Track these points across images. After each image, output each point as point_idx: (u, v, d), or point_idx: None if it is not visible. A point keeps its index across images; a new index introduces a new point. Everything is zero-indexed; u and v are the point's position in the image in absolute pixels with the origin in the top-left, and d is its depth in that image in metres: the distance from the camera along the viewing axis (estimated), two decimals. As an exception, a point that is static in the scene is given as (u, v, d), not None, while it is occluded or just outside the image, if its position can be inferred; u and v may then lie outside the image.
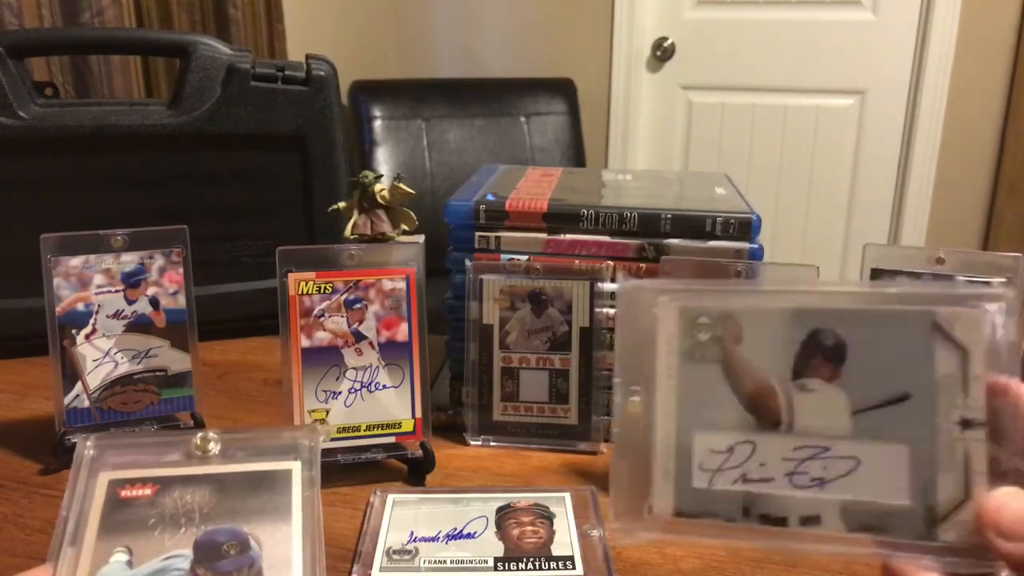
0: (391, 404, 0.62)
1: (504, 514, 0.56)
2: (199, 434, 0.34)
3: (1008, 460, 0.29)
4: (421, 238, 0.68)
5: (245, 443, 0.35)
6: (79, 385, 0.64)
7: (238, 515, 0.32)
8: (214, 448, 0.34)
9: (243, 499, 0.33)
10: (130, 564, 0.31)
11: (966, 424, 0.30)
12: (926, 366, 0.31)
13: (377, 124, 2.22)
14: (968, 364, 0.30)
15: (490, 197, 0.70)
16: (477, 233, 0.69)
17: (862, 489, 0.31)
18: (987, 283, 0.31)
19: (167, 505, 0.32)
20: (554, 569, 0.51)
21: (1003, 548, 0.28)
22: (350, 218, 0.67)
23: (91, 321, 0.64)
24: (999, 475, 0.29)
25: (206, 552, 0.31)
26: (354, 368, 0.61)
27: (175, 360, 0.66)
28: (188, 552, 0.31)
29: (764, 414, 0.32)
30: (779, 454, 0.32)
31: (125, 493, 0.33)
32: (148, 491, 0.33)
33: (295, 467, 0.34)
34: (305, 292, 0.60)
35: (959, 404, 0.30)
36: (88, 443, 0.34)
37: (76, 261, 0.63)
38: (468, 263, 0.67)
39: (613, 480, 0.33)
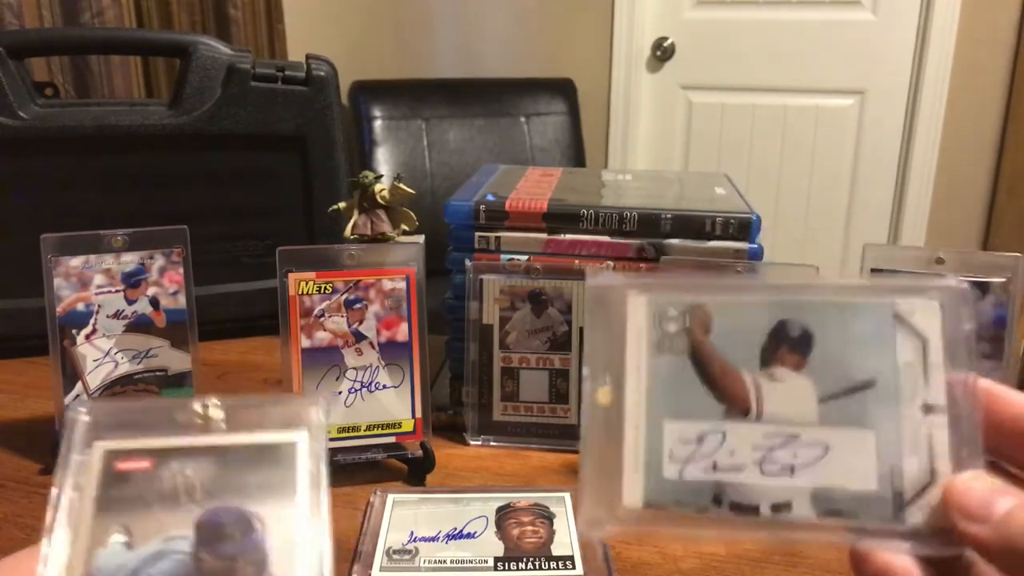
0: (391, 404, 0.62)
1: (504, 514, 0.56)
2: (199, 401, 0.32)
3: (967, 449, 0.30)
4: (421, 238, 0.68)
5: (249, 411, 0.32)
6: (79, 385, 0.64)
7: (240, 491, 0.31)
8: (216, 415, 0.32)
9: (246, 474, 0.31)
10: (128, 546, 0.29)
11: (928, 409, 0.31)
12: (888, 354, 0.32)
13: (377, 124, 2.22)
14: (927, 352, 0.31)
15: (490, 197, 0.70)
16: (477, 233, 0.69)
17: (831, 475, 0.31)
18: (943, 275, 0.33)
19: (166, 480, 0.30)
20: (554, 569, 0.51)
21: (969, 530, 0.28)
22: (350, 218, 0.67)
23: (91, 321, 0.64)
24: (961, 462, 0.30)
25: (209, 534, 0.30)
26: (354, 368, 0.61)
27: (175, 360, 0.66)
28: (189, 533, 0.30)
29: (733, 403, 0.32)
30: (749, 442, 0.32)
31: (122, 466, 0.30)
32: (146, 463, 0.30)
33: (301, 438, 0.32)
34: (305, 292, 0.60)
35: (920, 390, 0.31)
36: (82, 408, 0.31)
37: (76, 261, 0.63)
38: (468, 263, 0.67)
39: (581, 474, 0.32)
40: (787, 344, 0.32)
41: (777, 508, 0.31)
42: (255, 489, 0.31)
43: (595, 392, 0.33)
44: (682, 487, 0.32)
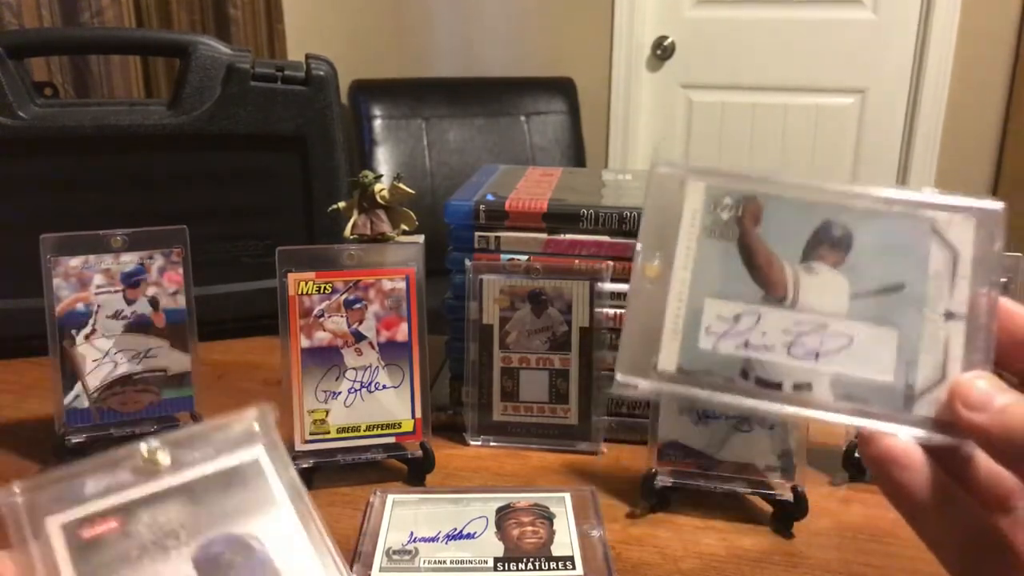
0: (391, 404, 0.62)
1: (504, 514, 0.56)
2: (142, 446, 0.30)
3: (979, 355, 0.33)
4: (421, 238, 0.68)
5: (195, 442, 0.31)
6: (79, 385, 0.64)
7: (224, 519, 0.30)
8: (164, 459, 0.30)
9: (221, 502, 0.30)
10: None
11: (949, 316, 0.34)
12: (921, 263, 0.34)
13: (377, 124, 2.22)
14: (957, 264, 0.34)
15: (490, 197, 0.69)
16: (477, 233, 0.68)
17: (852, 364, 0.34)
18: (981, 196, 0.36)
19: (143, 533, 0.28)
20: (554, 569, 0.51)
21: (968, 418, 0.31)
22: (350, 218, 0.67)
23: (91, 321, 0.64)
24: (972, 365, 0.33)
25: (212, 567, 0.29)
26: (354, 368, 0.61)
27: (175, 360, 0.66)
28: (192, 573, 0.28)
29: (772, 290, 0.35)
30: (780, 326, 0.34)
31: (87, 533, 0.28)
32: (113, 523, 0.28)
33: (259, 453, 0.31)
34: (305, 292, 0.60)
35: (945, 298, 0.34)
36: (15, 489, 0.28)
37: (76, 261, 0.63)
38: (468, 263, 0.67)
39: (623, 336, 0.35)
40: (828, 242, 0.35)
41: (798, 387, 0.34)
42: (237, 513, 0.30)
43: (644, 266, 0.35)
44: (714, 358, 0.34)
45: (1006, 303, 0.33)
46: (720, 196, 0.36)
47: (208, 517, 0.29)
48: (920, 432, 0.32)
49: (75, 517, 0.28)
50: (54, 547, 0.28)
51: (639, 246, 0.35)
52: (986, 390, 0.31)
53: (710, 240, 0.35)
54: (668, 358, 0.34)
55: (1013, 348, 0.33)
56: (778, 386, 0.34)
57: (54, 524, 0.28)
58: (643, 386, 0.34)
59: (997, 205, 0.34)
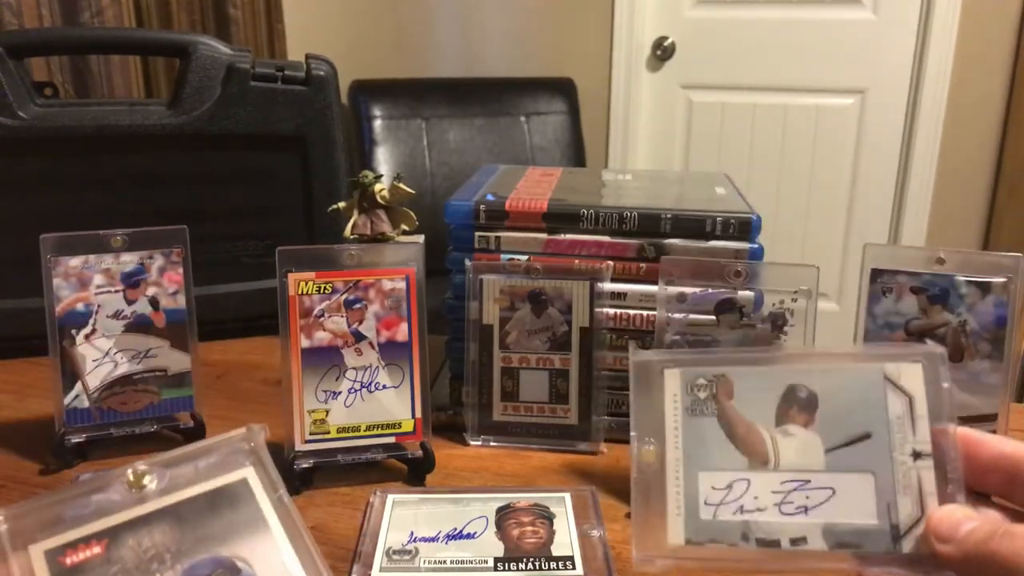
0: (391, 404, 0.62)
1: (504, 514, 0.56)
2: (128, 470, 0.29)
3: (951, 486, 0.37)
4: (421, 238, 0.68)
5: (183, 464, 0.30)
6: (79, 385, 0.64)
7: (211, 542, 0.29)
8: (151, 482, 0.29)
9: (208, 523, 0.29)
10: None
11: (916, 455, 0.38)
12: (881, 411, 0.38)
13: (377, 124, 2.22)
14: (914, 407, 0.38)
15: (490, 197, 0.70)
16: (477, 233, 0.68)
17: (839, 512, 0.38)
18: (924, 341, 0.47)
19: (127, 558, 0.28)
20: (554, 569, 0.51)
21: (941, 550, 0.34)
22: (350, 218, 0.67)
23: (91, 321, 0.64)
24: (946, 498, 0.37)
25: None
26: (354, 368, 0.61)
27: (175, 360, 0.66)
28: None
29: (755, 456, 0.39)
30: (769, 487, 0.39)
31: (71, 559, 0.28)
32: (97, 548, 0.28)
33: (248, 473, 0.30)
34: (305, 292, 0.60)
35: (910, 439, 0.38)
36: None
37: (76, 261, 0.63)
38: (468, 263, 0.67)
39: (633, 516, 0.39)
40: (797, 404, 0.40)
41: (795, 541, 0.38)
42: (224, 534, 0.29)
43: (640, 451, 0.40)
44: (716, 527, 0.38)
45: (966, 433, 0.37)
46: (694, 378, 0.41)
47: (195, 540, 0.29)
48: (910, 570, 0.36)
49: (58, 543, 0.28)
50: (36, 574, 0.27)
51: (633, 432, 0.40)
52: (953, 521, 0.34)
53: (693, 419, 0.40)
54: (676, 533, 0.39)
55: (985, 473, 0.36)
56: (776, 543, 0.38)
57: (37, 551, 0.28)
58: (659, 563, 0.39)
59: (938, 348, 0.39)
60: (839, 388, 0.40)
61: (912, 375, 0.39)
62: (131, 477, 0.29)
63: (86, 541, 0.28)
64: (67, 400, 0.64)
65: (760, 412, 0.40)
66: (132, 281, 0.64)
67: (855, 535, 0.37)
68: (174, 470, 0.30)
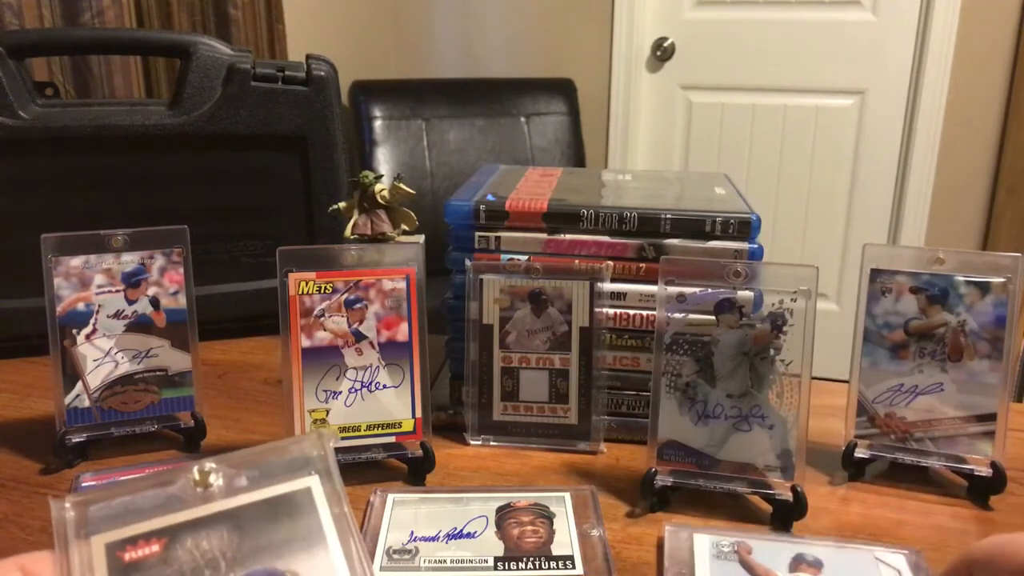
0: (391, 404, 0.62)
1: (504, 514, 0.56)
2: (195, 467, 0.29)
3: None
4: (421, 238, 0.68)
5: (248, 465, 0.29)
6: (79, 385, 0.64)
7: (267, 552, 0.28)
8: (216, 480, 0.29)
9: (267, 532, 0.28)
10: None
11: None
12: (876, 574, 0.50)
13: (377, 124, 2.22)
14: None
15: (490, 197, 0.70)
16: (477, 233, 0.69)
17: None
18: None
19: (183, 559, 0.27)
20: (554, 569, 0.51)
21: None
22: (350, 218, 0.68)
23: (91, 321, 0.64)
24: None
25: None
26: (354, 368, 0.61)
27: (175, 360, 0.66)
28: None
29: None
30: None
31: (129, 555, 0.27)
32: (155, 547, 0.27)
33: (313, 483, 0.29)
34: (305, 292, 0.60)
35: None
36: (66, 504, 0.27)
37: (76, 261, 0.63)
38: (468, 263, 0.67)
39: None
40: (805, 563, 0.51)
41: None
42: (281, 546, 0.28)
43: None
44: None
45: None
46: (718, 541, 0.52)
47: (252, 548, 0.28)
48: None
49: (119, 537, 0.28)
50: (94, 567, 0.27)
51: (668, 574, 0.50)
52: None
53: (720, 561, 0.51)
54: None
55: None
56: None
57: (99, 543, 0.28)
58: None
59: (918, 552, 0.51)
60: (839, 559, 0.51)
61: (897, 560, 0.51)
62: (196, 475, 0.29)
63: (146, 538, 0.28)
64: (68, 400, 0.64)
65: (774, 565, 0.50)
66: (133, 281, 0.64)
67: None
68: (240, 471, 0.29)
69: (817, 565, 0.50)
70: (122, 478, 0.61)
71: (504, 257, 0.68)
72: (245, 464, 0.29)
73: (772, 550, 0.52)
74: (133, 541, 0.28)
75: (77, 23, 1.51)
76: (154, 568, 0.27)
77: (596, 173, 0.90)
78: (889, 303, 0.61)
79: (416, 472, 0.62)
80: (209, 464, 0.29)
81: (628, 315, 0.67)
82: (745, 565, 0.50)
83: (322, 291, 0.60)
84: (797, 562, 0.51)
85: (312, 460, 0.30)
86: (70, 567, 0.27)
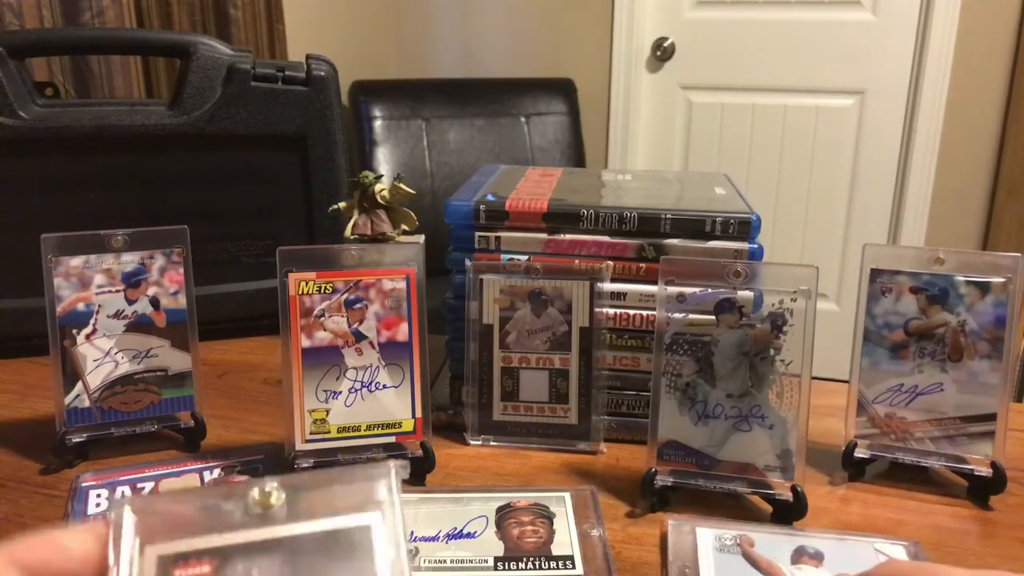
0: (391, 404, 0.62)
1: (504, 514, 0.56)
2: (256, 488, 0.27)
3: None
4: (421, 238, 0.68)
5: (313, 489, 0.28)
6: (80, 385, 0.64)
7: None
8: (277, 501, 0.27)
9: (319, 569, 0.27)
10: None
11: None
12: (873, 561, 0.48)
13: (377, 124, 2.22)
14: None
15: (490, 197, 0.70)
16: (477, 233, 0.69)
17: None
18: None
19: None
20: (554, 569, 0.51)
21: None
22: (350, 218, 0.68)
23: (91, 321, 0.64)
24: None
25: None
26: (354, 368, 0.61)
27: (175, 360, 0.66)
28: None
29: None
30: None
31: (179, 573, 0.26)
32: (206, 568, 0.26)
33: (375, 520, 0.27)
34: (305, 292, 0.60)
35: None
36: (126, 508, 0.26)
37: (76, 261, 0.63)
38: (468, 263, 0.67)
39: None
40: (806, 555, 0.52)
41: None
42: None
43: None
44: None
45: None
46: (721, 534, 0.54)
47: None
48: None
49: (173, 551, 0.26)
50: None
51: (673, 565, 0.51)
52: None
53: (723, 554, 0.52)
54: None
55: None
56: None
57: (152, 554, 0.26)
58: None
59: (916, 544, 0.53)
60: (839, 551, 0.52)
61: (897, 552, 0.51)
62: (258, 495, 0.27)
63: (199, 556, 0.26)
64: (68, 400, 0.64)
65: (776, 558, 0.51)
66: (133, 281, 0.64)
67: None
68: (303, 495, 0.27)
69: (818, 557, 0.51)
70: (122, 479, 0.61)
71: (504, 257, 0.68)
72: (309, 487, 0.28)
73: (774, 543, 0.53)
74: (186, 558, 0.26)
75: (77, 23, 1.51)
76: None
77: (596, 173, 0.90)
78: (889, 303, 0.61)
79: (416, 472, 0.62)
80: (271, 484, 0.27)
81: (628, 315, 0.67)
82: (748, 558, 0.51)
83: (322, 291, 0.60)
84: (799, 554, 0.52)
85: (378, 496, 0.28)
86: (119, 573, 0.26)
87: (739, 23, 2.31)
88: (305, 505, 0.27)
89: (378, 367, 0.62)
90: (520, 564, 0.51)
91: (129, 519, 0.26)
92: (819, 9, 2.25)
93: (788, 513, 0.56)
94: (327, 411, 0.61)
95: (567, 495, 0.58)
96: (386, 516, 0.28)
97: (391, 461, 0.28)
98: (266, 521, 0.27)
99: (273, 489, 0.27)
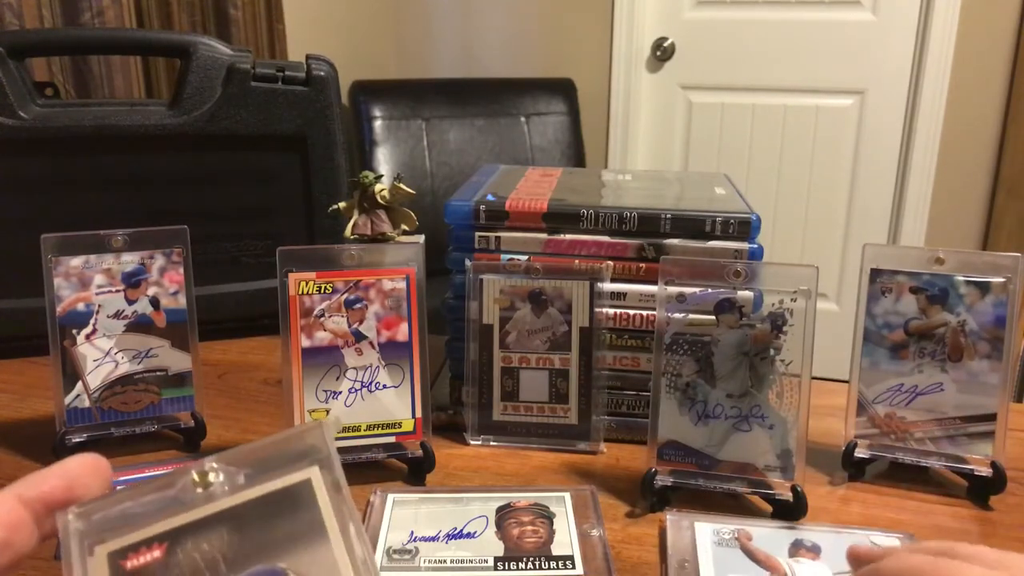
0: (391, 404, 0.62)
1: (504, 514, 0.56)
2: (193, 468, 0.28)
3: None
4: (421, 238, 0.68)
5: (248, 461, 0.29)
6: (80, 385, 0.64)
7: (267, 550, 0.27)
8: (215, 479, 0.28)
9: (267, 529, 0.28)
10: None
11: None
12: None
13: (377, 124, 2.22)
14: None
15: (490, 197, 0.70)
16: (477, 233, 0.69)
17: None
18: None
19: (184, 564, 0.27)
20: (554, 569, 0.51)
21: None
22: (350, 218, 0.68)
23: (91, 321, 0.64)
24: None
25: None
26: (354, 368, 0.61)
27: (175, 360, 0.66)
28: None
29: (775, 572, 0.50)
30: None
31: (132, 563, 0.27)
32: (157, 553, 0.27)
33: (312, 473, 0.28)
34: (305, 292, 0.60)
35: None
36: (69, 516, 0.27)
37: (77, 261, 0.63)
38: (468, 263, 0.67)
39: None
40: (804, 548, 0.52)
41: None
42: (282, 542, 0.28)
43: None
44: None
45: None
46: (719, 528, 0.54)
47: (252, 546, 0.27)
48: None
49: (122, 545, 0.27)
50: None
51: (672, 559, 0.52)
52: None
53: (721, 548, 0.52)
54: None
55: None
56: None
57: (102, 553, 0.27)
58: None
59: (911, 536, 0.53)
60: (836, 544, 0.52)
61: (889, 542, 0.52)
62: (196, 476, 0.28)
63: (147, 544, 0.27)
64: (68, 400, 0.64)
65: (774, 551, 0.52)
66: (133, 281, 0.64)
67: None
68: (240, 468, 0.28)
69: (815, 550, 0.52)
70: (122, 479, 0.61)
71: (504, 257, 0.68)
72: (245, 460, 0.29)
73: (772, 537, 0.53)
74: (135, 548, 0.27)
75: (77, 23, 1.51)
76: (157, 573, 0.27)
77: (596, 173, 0.90)
78: (889, 303, 0.61)
79: (416, 472, 0.62)
80: (209, 463, 0.28)
81: (628, 315, 0.67)
82: (746, 551, 0.52)
83: (322, 291, 0.60)
84: (796, 547, 0.52)
85: (312, 450, 0.29)
86: None
87: (739, 23, 2.31)
88: (243, 476, 0.28)
89: (378, 367, 0.62)
90: (520, 564, 0.51)
91: (74, 526, 0.27)
92: (819, 9, 2.25)
93: (788, 513, 0.56)
94: (327, 411, 0.61)
95: (567, 495, 0.58)
96: (324, 469, 0.29)
97: (320, 419, 0.29)
98: (209, 499, 0.28)
99: (211, 468, 0.28)
